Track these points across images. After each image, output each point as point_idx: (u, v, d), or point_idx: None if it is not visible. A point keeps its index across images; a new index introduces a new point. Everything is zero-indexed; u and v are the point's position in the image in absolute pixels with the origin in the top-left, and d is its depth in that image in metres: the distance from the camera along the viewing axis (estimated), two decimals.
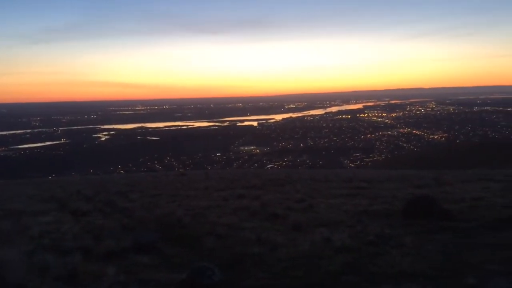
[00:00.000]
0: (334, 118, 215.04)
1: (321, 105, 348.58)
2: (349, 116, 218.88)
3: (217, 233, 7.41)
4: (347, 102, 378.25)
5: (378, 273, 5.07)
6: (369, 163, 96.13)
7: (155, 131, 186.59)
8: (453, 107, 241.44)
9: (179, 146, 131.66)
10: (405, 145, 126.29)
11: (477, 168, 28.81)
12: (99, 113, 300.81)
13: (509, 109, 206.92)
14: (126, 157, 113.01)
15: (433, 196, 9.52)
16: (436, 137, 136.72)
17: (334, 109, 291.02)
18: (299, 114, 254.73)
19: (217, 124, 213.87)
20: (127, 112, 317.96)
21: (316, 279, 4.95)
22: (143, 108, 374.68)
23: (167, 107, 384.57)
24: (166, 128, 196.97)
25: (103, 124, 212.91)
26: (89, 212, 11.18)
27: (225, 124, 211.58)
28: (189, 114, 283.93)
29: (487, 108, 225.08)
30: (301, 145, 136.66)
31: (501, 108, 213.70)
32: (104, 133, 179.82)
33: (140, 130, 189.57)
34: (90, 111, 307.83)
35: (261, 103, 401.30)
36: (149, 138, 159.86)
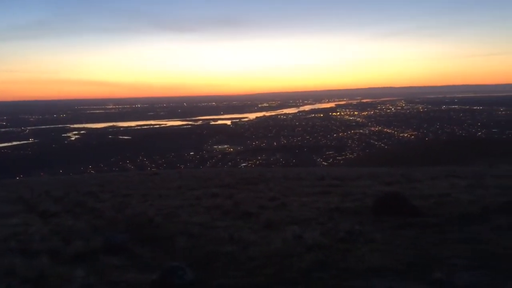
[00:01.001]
0: (307, 116, 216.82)
1: (294, 104, 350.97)
2: (322, 115, 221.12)
3: (189, 233, 7.38)
4: (320, 101, 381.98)
5: (348, 269, 5.15)
6: (342, 161, 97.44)
7: (127, 130, 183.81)
8: (422, 105, 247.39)
9: (151, 146, 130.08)
10: (376, 143, 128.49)
11: (445, 165, 29.64)
12: (69, 112, 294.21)
13: (475, 107, 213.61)
14: (97, 157, 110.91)
15: (402, 193, 9.73)
16: (406, 135, 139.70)
17: (307, 107, 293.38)
18: (273, 113, 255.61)
19: (190, 123, 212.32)
20: (98, 111, 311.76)
21: (288, 277, 4.98)
22: (114, 107, 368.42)
23: (139, 105, 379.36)
24: (138, 127, 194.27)
25: (73, 123, 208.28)
26: (58, 213, 10.96)
27: (198, 123, 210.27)
28: (161, 113, 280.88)
29: (455, 106, 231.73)
30: (275, 143, 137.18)
31: (467, 107, 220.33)
32: (74, 132, 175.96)
33: (111, 129, 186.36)
34: (59, 110, 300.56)
35: (234, 102, 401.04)
36: (120, 137, 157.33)
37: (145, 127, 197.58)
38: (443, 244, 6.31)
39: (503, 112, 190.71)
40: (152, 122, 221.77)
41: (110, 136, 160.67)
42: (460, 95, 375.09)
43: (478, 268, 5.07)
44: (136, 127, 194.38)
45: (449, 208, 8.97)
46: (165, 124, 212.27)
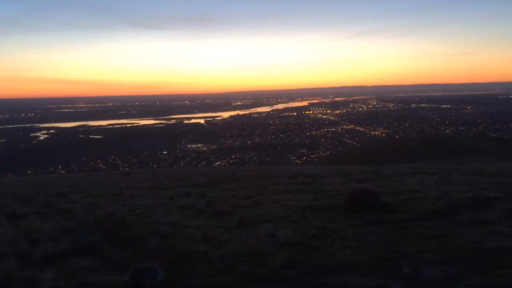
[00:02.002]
0: (281, 115, 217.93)
1: (268, 102, 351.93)
2: (295, 113, 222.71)
3: (161, 232, 7.30)
4: (293, 99, 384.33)
5: (319, 266, 5.21)
6: (315, 159, 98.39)
7: (98, 129, 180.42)
8: (393, 104, 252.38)
9: (123, 145, 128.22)
10: (348, 141, 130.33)
11: (414, 162, 30.31)
12: (37, 111, 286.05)
13: (444, 106, 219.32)
14: (67, 157, 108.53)
15: (373, 189, 9.89)
16: (377, 133, 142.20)
17: (280, 106, 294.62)
18: (246, 112, 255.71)
19: (163, 122, 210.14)
20: (67, 110, 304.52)
21: (260, 274, 5.01)
22: (85, 105, 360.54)
23: (110, 104, 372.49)
24: (110, 126, 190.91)
25: (41, 123, 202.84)
26: (25, 215, 10.66)
27: (171, 122, 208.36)
28: (134, 112, 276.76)
29: (424, 105, 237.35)
30: (249, 142, 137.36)
31: (436, 105, 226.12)
32: (43, 131, 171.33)
33: (82, 129, 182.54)
34: (27, 109, 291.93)
35: (208, 101, 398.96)
36: (91, 136, 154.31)
37: (117, 126, 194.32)
38: (412, 239, 6.46)
39: (470, 110, 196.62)
40: (124, 121, 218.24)
41: (80, 136, 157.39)
42: (429, 94, 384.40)
43: (446, 262, 5.22)
44: (107, 126, 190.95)
45: (418, 204, 9.19)
46: (138, 123, 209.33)
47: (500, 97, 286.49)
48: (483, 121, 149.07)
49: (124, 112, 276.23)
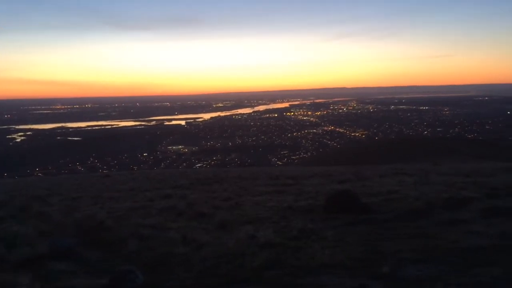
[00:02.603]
0: (262, 116, 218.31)
1: (249, 104, 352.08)
2: (276, 115, 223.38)
3: (141, 235, 7.23)
4: (274, 101, 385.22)
5: (300, 267, 5.23)
6: (296, 161, 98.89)
7: (77, 131, 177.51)
8: (373, 106, 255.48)
9: (103, 147, 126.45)
10: (329, 142, 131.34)
11: (394, 163, 30.73)
12: (14, 112, 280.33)
13: (422, 107, 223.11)
14: (45, 159, 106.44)
15: (353, 190, 10.00)
16: (357, 134, 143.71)
17: (261, 108, 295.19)
18: (228, 113, 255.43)
19: (143, 123, 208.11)
20: (45, 111, 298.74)
21: (240, 276, 5.00)
22: (63, 107, 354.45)
23: (89, 105, 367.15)
24: (89, 128, 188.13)
25: (18, 124, 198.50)
26: (1, 219, 10.41)
27: (152, 124, 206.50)
28: (113, 113, 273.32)
29: (403, 107, 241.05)
30: (230, 143, 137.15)
31: (414, 107, 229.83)
32: (20, 133, 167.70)
33: (60, 130, 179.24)
34: (3, 110, 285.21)
35: (189, 102, 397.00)
36: (70, 138, 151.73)
37: (96, 127, 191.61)
38: (391, 239, 6.54)
39: (447, 112, 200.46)
40: (104, 122, 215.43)
41: (58, 138, 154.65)
42: (408, 96, 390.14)
43: (424, 261, 5.29)
44: (86, 128, 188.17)
45: (397, 204, 9.32)
46: (117, 124, 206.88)
47: (476, 99, 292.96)
48: (460, 122, 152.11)
49: (104, 113, 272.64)
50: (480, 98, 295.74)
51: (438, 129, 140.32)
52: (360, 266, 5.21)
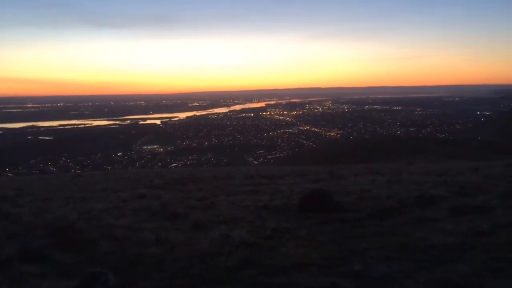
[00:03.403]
0: (238, 116, 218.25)
1: (225, 103, 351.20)
2: (252, 114, 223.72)
3: (113, 236, 7.13)
4: (250, 100, 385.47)
5: (273, 266, 5.26)
6: (272, 160, 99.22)
7: (48, 130, 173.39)
8: (347, 106, 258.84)
9: (76, 146, 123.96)
10: (305, 142, 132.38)
11: (367, 162, 31.17)
12: None
13: (395, 108, 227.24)
14: (14, 159, 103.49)
15: (327, 189, 10.11)
16: (332, 134, 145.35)
17: (237, 107, 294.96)
18: (203, 112, 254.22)
19: (117, 122, 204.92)
20: (15, 110, 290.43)
21: (214, 276, 4.99)
22: (34, 105, 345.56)
23: (61, 104, 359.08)
24: (61, 127, 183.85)
25: None
26: None
27: (126, 123, 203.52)
28: (86, 112, 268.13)
29: (376, 107, 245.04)
30: (206, 143, 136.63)
31: (388, 107, 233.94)
32: None
33: (30, 130, 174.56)
34: None
35: (164, 101, 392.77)
36: (41, 138, 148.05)
37: (69, 127, 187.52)
38: (363, 237, 6.64)
39: (419, 112, 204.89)
40: (76, 121, 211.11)
41: (29, 137, 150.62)
42: (381, 96, 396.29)
43: (395, 259, 5.39)
44: (58, 127, 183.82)
45: (370, 203, 9.46)
46: (91, 123, 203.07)
47: (446, 99, 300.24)
48: (431, 122, 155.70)
49: (76, 112, 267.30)
50: (450, 99, 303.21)
51: (411, 129, 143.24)
52: (333, 264, 5.28)
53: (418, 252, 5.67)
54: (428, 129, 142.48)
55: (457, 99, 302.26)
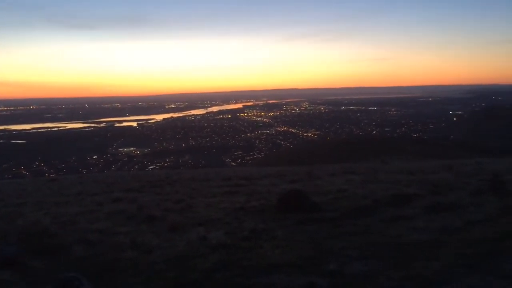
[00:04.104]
0: (215, 117, 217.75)
1: (202, 105, 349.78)
2: (230, 116, 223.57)
3: (88, 240, 7.01)
4: (228, 102, 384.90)
5: (251, 267, 5.26)
6: (250, 161, 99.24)
7: (21, 133, 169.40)
8: (324, 106, 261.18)
9: (49, 150, 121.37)
10: (282, 143, 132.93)
11: (344, 162, 31.52)
12: None
13: (370, 108, 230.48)
14: None
15: (304, 190, 10.17)
16: (309, 134, 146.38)
17: (215, 108, 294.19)
18: (180, 114, 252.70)
19: (92, 125, 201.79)
20: None
21: (191, 278, 4.97)
22: (5, 108, 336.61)
23: (34, 107, 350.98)
24: (34, 131, 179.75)
25: None
26: None
27: (101, 125, 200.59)
28: (60, 115, 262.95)
29: (352, 107, 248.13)
30: (183, 145, 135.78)
31: (363, 108, 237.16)
32: None
33: (2, 133, 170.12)
34: None
35: (140, 103, 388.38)
36: (13, 141, 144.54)
37: (42, 130, 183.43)
38: (339, 237, 6.71)
39: (394, 112, 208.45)
40: (50, 124, 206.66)
41: (1, 141, 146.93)
42: (357, 97, 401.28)
43: (369, 257, 5.47)
44: (31, 131, 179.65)
45: (346, 203, 9.58)
46: (65, 126, 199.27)
47: (420, 99, 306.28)
48: (406, 122, 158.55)
49: (50, 115, 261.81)
50: (424, 99, 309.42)
51: (386, 129, 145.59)
52: (309, 264, 5.31)
53: (393, 249, 5.76)
54: (403, 128, 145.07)
55: (430, 99, 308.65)
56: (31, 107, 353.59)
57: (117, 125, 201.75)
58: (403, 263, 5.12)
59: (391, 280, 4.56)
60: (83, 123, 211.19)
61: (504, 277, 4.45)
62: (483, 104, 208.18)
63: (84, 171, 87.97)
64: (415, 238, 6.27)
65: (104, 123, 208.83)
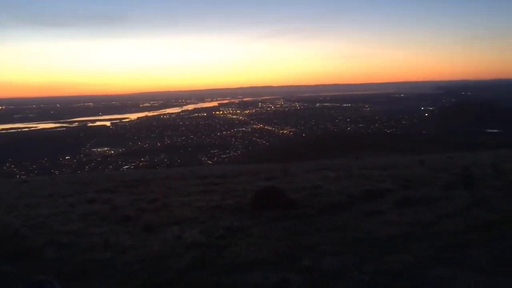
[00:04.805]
0: (191, 116, 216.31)
1: (177, 103, 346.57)
2: (205, 114, 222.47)
3: (60, 242, 6.88)
4: (203, 100, 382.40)
5: (225, 265, 5.26)
6: (226, 159, 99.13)
7: None
8: (299, 103, 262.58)
9: (20, 151, 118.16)
10: (258, 140, 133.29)
11: (319, 159, 31.80)
12: None
13: (345, 105, 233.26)
14: None
15: (279, 187, 10.22)
16: (285, 131, 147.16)
17: (190, 107, 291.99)
18: (155, 113, 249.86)
19: (65, 125, 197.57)
20: None
21: (165, 278, 4.93)
22: None
23: (3, 107, 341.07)
24: (4, 131, 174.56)
25: None
26: None
27: (74, 125, 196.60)
28: (31, 115, 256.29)
29: (327, 104, 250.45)
30: (158, 144, 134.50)
31: (338, 104, 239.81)
32: None
33: None
34: None
35: (114, 102, 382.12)
36: None
37: (12, 130, 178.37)
38: (314, 233, 6.78)
39: (368, 109, 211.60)
40: (21, 125, 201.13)
41: None
42: (332, 94, 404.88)
43: (344, 252, 5.54)
44: (1, 131, 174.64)
45: (320, 199, 9.66)
46: (36, 127, 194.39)
47: (393, 96, 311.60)
48: (379, 118, 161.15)
49: (20, 115, 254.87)
50: (396, 96, 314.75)
51: (360, 125, 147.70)
52: (284, 260, 5.34)
53: (366, 244, 5.85)
54: (376, 124, 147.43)
55: (402, 95, 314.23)
56: (0, 107, 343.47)
57: (90, 124, 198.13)
58: (376, 257, 5.21)
59: (364, 274, 4.65)
60: (55, 123, 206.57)
61: (473, 268, 4.59)
62: (453, 100, 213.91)
63: (57, 172, 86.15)
64: (388, 232, 6.39)
65: (77, 123, 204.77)
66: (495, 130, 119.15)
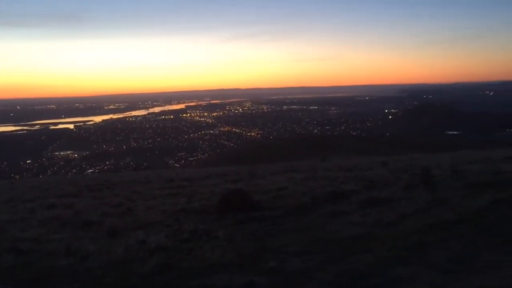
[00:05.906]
0: (157, 118, 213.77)
1: (144, 105, 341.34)
2: (172, 116, 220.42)
3: (19, 249, 6.64)
4: (170, 102, 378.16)
5: (190, 269, 5.22)
6: (193, 162, 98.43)
7: None
8: (267, 106, 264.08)
9: None
10: (226, 143, 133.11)
11: (286, 161, 32.08)
12: None
13: (311, 107, 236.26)
14: None
15: (245, 189, 10.26)
16: (253, 134, 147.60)
17: (156, 109, 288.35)
18: (121, 115, 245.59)
19: (25, 128, 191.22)
20: None
21: (129, 283, 4.85)
22: None
23: None
24: None
25: None
26: None
27: (35, 128, 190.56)
28: None
29: (294, 107, 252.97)
30: (124, 147, 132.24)
31: (305, 107, 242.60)
32: None
33: None
34: None
35: (77, 104, 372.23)
36: None
37: None
38: (279, 234, 6.83)
39: (334, 111, 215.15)
40: None
41: None
42: (299, 96, 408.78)
43: (309, 253, 5.60)
44: None
45: (286, 201, 9.76)
46: None
47: (358, 99, 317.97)
48: (345, 120, 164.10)
49: None
50: (361, 98, 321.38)
51: (327, 127, 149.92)
52: (249, 263, 5.35)
53: (331, 245, 5.94)
54: (342, 127, 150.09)
55: (367, 98, 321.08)
56: None
57: (53, 127, 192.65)
58: (340, 257, 5.29)
59: (328, 274, 4.71)
60: (15, 125, 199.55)
61: (432, 267, 4.72)
62: (415, 103, 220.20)
63: (17, 176, 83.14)
64: (351, 232, 6.51)
65: (38, 126, 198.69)
66: (455, 132, 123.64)
